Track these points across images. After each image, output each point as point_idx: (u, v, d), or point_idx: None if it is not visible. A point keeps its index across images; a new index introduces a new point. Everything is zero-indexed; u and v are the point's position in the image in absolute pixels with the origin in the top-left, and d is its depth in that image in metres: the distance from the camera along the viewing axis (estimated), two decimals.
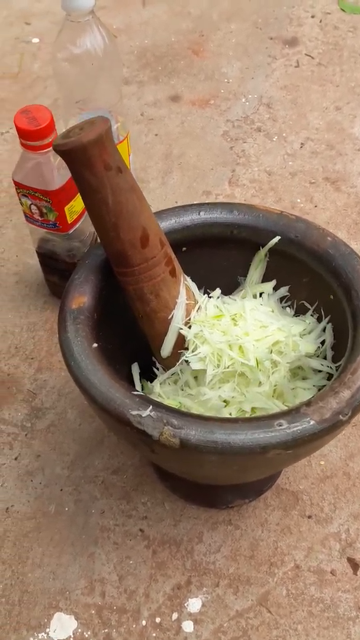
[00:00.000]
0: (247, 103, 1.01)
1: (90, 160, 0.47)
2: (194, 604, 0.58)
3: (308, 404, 0.44)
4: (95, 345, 0.49)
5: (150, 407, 0.45)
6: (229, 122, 0.98)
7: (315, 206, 0.86)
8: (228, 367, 0.51)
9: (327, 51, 1.08)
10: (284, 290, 0.59)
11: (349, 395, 0.44)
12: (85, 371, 0.48)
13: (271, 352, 0.52)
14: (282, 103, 1.01)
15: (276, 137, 0.96)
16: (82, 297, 0.52)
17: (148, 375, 0.60)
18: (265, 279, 0.60)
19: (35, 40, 1.17)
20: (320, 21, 1.14)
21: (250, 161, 0.93)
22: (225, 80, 1.05)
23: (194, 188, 0.90)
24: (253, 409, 0.52)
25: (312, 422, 0.42)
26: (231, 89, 1.03)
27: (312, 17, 1.15)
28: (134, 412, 0.45)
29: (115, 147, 0.49)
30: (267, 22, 1.15)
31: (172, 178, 0.92)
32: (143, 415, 0.44)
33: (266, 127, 0.97)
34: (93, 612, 0.58)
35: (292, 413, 0.43)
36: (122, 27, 1.17)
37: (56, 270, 0.77)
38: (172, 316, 0.54)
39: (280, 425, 0.42)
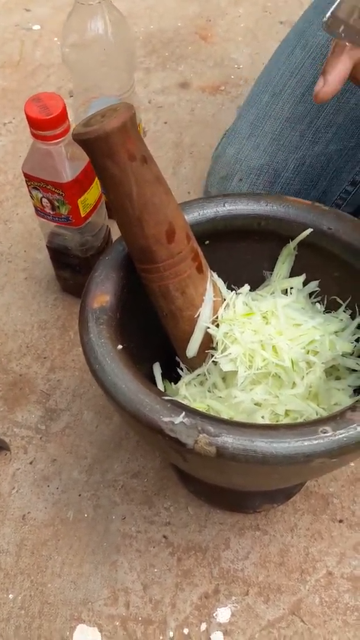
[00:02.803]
0: None
1: (113, 150, 0.44)
2: (223, 614, 0.56)
3: (353, 408, 0.41)
4: (120, 347, 0.47)
5: (183, 413, 0.42)
6: None
7: None
8: (261, 369, 0.49)
9: None
10: (313, 285, 0.56)
11: None
12: (111, 375, 0.45)
13: (307, 353, 0.49)
14: None
15: None
16: (104, 296, 0.49)
17: (170, 375, 0.57)
18: (293, 273, 0.57)
19: (36, 27, 1.14)
20: None
21: None
22: (235, 65, 1.02)
23: None
24: (287, 411, 0.49)
25: (359, 429, 0.40)
26: (242, 75, 1.00)
27: None
28: (166, 419, 0.42)
29: (139, 135, 0.46)
30: (277, 6, 1.11)
31: (184, 167, 0.89)
32: (176, 422, 0.42)
33: None
34: (117, 623, 0.56)
35: (336, 419, 0.41)
36: (125, 12, 1.13)
37: (67, 265, 0.74)
38: (199, 314, 0.51)
39: (325, 432, 0.40)
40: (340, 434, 0.40)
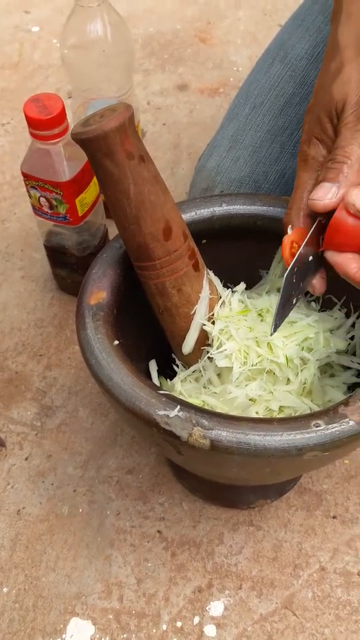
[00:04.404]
0: None
1: (111, 149, 0.45)
2: (216, 608, 0.56)
3: (346, 403, 0.42)
4: (116, 342, 0.47)
5: (178, 406, 0.43)
6: None
7: None
8: (255, 365, 0.49)
9: None
10: None
11: None
12: (107, 370, 0.46)
13: (302, 350, 0.50)
14: None
15: None
16: (100, 293, 0.50)
17: (165, 372, 0.58)
18: None
19: (35, 28, 1.15)
20: None
21: None
22: (235, 68, 1.03)
23: None
24: (281, 407, 0.50)
25: (351, 423, 0.40)
26: (241, 77, 1.01)
27: None
28: (161, 413, 0.43)
29: (137, 135, 0.46)
30: (276, 9, 1.12)
31: (182, 169, 0.90)
32: (170, 416, 0.42)
33: None
34: (111, 616, 0.56)
35: (329, 413, 0.41)
36: (125, 14, 1.14)
37: (65, 264, 0.75)
38: (195, 311, 0.52)
39: (318, 426, 0.40)
40: (333, 427, 0.41)
